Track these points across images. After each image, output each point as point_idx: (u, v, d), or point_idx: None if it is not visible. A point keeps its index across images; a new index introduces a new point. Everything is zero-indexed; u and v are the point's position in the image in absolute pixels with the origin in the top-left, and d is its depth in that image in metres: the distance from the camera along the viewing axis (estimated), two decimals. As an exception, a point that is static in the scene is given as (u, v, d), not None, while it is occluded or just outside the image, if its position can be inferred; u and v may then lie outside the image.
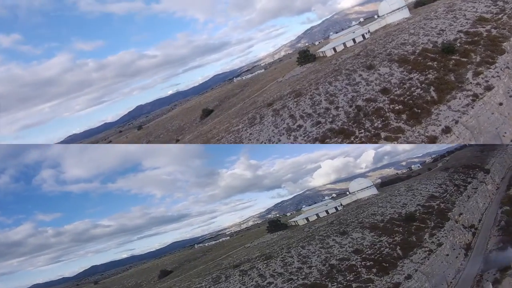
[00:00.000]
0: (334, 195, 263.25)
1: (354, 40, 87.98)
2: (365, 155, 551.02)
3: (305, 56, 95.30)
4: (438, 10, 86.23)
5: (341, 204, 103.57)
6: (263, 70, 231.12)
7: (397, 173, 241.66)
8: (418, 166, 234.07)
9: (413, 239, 67.67)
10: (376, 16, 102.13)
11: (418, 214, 78.35)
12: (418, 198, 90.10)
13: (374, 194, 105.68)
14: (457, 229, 76.87)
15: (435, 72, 63.20)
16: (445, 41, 70.40)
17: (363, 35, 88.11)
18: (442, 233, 71.21)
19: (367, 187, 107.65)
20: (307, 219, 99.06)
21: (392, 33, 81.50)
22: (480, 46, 67.62)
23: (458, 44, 69.21)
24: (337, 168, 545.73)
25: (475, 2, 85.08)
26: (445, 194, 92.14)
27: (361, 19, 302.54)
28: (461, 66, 63.38)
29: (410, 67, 65.40)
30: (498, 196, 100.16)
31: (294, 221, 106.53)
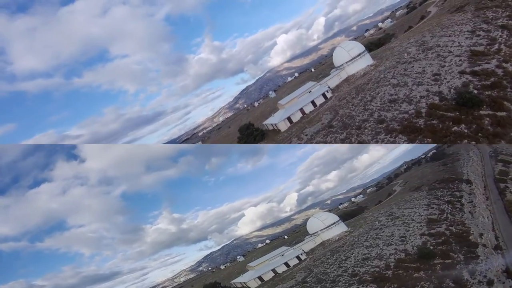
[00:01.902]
0: (267, 241, 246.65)
1: (313, 102, 62.51)
2: (288, 198, 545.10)
3: (248, 134, 67.05)
4: (410, 50, 65.61)
5: (304, 251, 74.46)
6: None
7: (353, 201, 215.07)
8: (362, 197, 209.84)
9: (450, 285, 41.05)
10: (332, 70, 78.89)
11: (432, 247, 53.22)
12: (415, 226, 64.05)
13: (346, 231, 77.34)
14: (491, 255, 50.57)
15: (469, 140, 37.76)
16: (453, 89, 46.70)
17: (324, 95, 63.20)
18: (482, 266, 46.17)
19: (334, 224, 78.02)
20: (260, 278, 67.59)
21: (366, 88, 57.65)
22: (508, 89, 44.62)
23: (475, 91, 45.81)
24: (261, 214, 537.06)
25: (450, 36, 66.19)
26: (444, 215, 66.84)
27: (296, 74, 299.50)
28: (505, 127, 38.63)
29: (431, 139, 39.13)
30: (495, 206, 76.60)
31: (241, 284, 72.79)
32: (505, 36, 60.82)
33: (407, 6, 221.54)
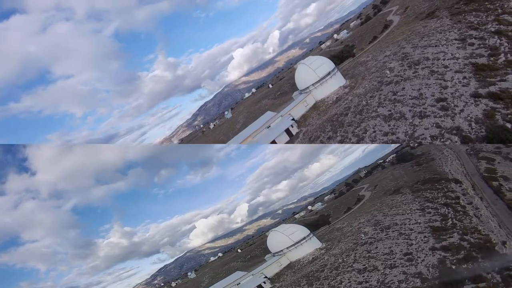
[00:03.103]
0: (220, 254, 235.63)
1: (274, 142, 45.15)
2: (238, 209, 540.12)
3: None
4: (391, 65, 51.19)
5: (267, 278, 55.55)
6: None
7: (311, 209, 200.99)
8: (321, 204, 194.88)
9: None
10: (296, 92, 61.95)
11: (454, 266, 37.90)
12: (419, 238, 48.42)
13: (321, 248, 60.86)
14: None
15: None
16: (475, 121, 31.68)
17: (288, 131, 46.17)
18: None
19: (305, 239, 60.64)
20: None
21: (343, 120, 41.76)
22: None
23: (502, 121, 31.11)
24: (212, 226, 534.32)
25: (437, 46, 52.91)
26: (450, 221, 52.26)
27: (253, 90, 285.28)
28: None
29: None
30: (495, 206, 64.37)
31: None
32: (506, 44, 48.33)
33: (359, 17, 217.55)
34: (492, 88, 37.75)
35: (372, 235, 55.97)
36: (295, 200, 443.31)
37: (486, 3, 67.69)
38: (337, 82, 52.84)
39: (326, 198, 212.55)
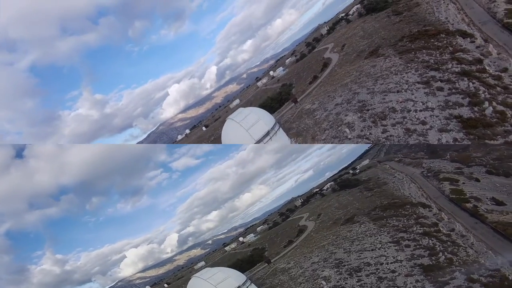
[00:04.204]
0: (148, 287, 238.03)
1: None
2: (168, 239, 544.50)
3: None
4: (348, 119, 38.62)
5: None
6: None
7: (242, 241, 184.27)
8: (254, 236, 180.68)
9: None
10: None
11: None
12: (407, 283, 37.32)
13: None
14: None
15: None
16: None
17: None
18: None
19: None
20: None
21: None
22: None
23: None
24: (142, 256, 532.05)
25: (399, 92, 42.26)
26: (442, 256, 41.05)
27: (187, 131, 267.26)
28: None
29: None
30: (477, 232, 53.84)
31: None
32: (483, 88, 38.61)
33: (293, 54, 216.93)
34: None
35: (338, 281, 40.37)
36: (226, 231, 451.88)
37: (432, 40, 60.74)
38: (278, 143, 38.20)
39: (258, 229, 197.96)
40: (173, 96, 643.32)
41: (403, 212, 63.80)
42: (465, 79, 41.96)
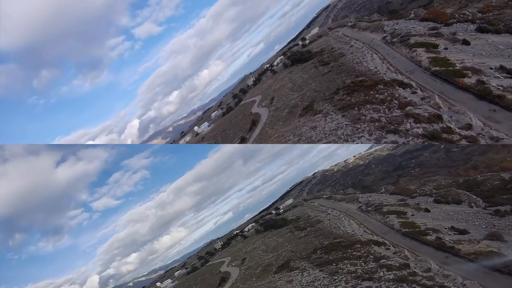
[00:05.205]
0: None
1: None
2: (89, 280, 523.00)
3: None
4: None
5: None
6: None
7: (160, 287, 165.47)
8: (172, 282, 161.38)
9: None
10: None
11: None
12: None
13: None
14: None
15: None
16: None
17: None
18: None
19: None
20: None
21: None
22: None
23: None
24: None
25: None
26: None
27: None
28: None
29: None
30: (451, 267, 42.95)
31: None
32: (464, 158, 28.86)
33: (219, 106, 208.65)
34: None
35: None
36: (146, 273, 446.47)
37: (372, 92, 53.39)
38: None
39: (176, 273, 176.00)
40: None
41: (354, 253, 53.02)
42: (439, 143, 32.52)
